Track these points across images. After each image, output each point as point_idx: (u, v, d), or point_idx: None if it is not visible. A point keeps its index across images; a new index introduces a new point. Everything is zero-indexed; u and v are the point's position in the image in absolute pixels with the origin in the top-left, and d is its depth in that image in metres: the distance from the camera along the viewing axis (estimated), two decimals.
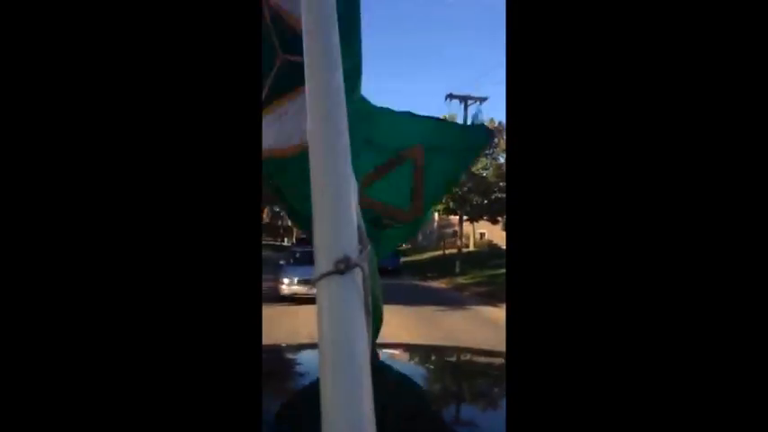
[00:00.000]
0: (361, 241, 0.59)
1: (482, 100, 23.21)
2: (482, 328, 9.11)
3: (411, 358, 1.69)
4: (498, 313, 11.28)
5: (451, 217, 27.04)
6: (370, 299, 0.58)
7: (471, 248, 31.00)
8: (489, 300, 13.45)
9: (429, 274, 21.70)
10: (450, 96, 22.88)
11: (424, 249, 32.80)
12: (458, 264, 21.41)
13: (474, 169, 26.39)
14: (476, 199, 26.57)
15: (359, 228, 0.60)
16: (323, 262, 0.57)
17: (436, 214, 31.05)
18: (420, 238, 37.71)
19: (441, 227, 35.47)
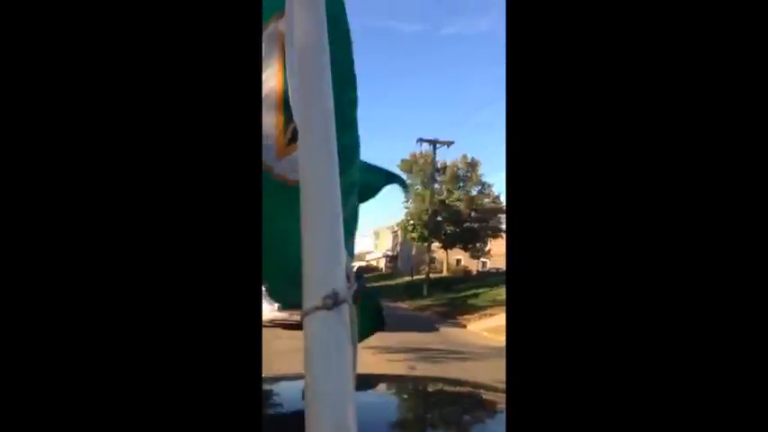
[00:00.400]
0: (348, 277, 0.57)
1: (449, 144, 25.23)
2: (430, 336, 11.38)
3: (389, 388, 1.66)
4: (449, 328, 13.69)
5: (427, 245, 27.37)
6: (356, 334, 0.56)
7: (444, 274, 31.14)
8: (444, 317, 15.83)
9: (399, 297, 22.93)
10: (421, 140, 25.24)
11: (402, 275, 32.82)
12: (425, 287, 22.70)
13: (448, 201, 26.84)
14: (449, 228, 26.86)
15: (347, 263, 0.58)
16: (311, 297, 0.55)
17: (414, 243, 31.47)
18: (399, 264, 37.83)
19: (418, 253, 35.52)
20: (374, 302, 1.26)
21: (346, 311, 0.55)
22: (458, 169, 28.68)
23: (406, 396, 1.63)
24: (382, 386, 1.66)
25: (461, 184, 28.61)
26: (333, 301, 0.54)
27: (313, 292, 0.55)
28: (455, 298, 19.71)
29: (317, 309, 0.54)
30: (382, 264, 44.86)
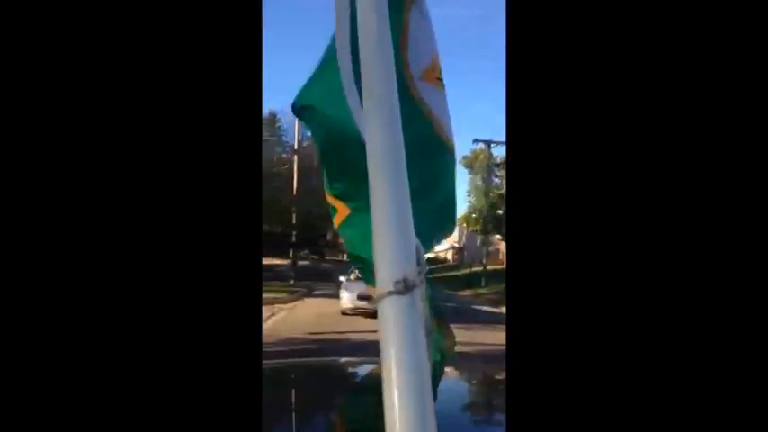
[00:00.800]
0: (419, 262, 0.53)
1: (503, 143, 26.10)
2: (476, 316, 13.46)
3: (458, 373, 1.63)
4: (493, 310, 16.07)
5: (490, 237, 27.37)
6: (429, 319, 0.52)
7: (504, 265, 30.76)
8: (494, 303, 18.17)
9: (460, 286, 24.83)
10: (477, 140, 27.19)
11: (468, 266, 32.84)
12: (483, 279, 24.04)
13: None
14: None
15: (417, 247, 0.54)
16: (383, 282, 0.51)
17: (478, 235, 31.68)
18: (465, 254, 37.72)
19: (482, 245, 35.22)
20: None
21: (418, 296, 0.51)
22: None
23: (474, 381, 1.59)
24: (451, 371, 1.63)
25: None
26: (404, 287, 0.50)
27: (385, 277, 0.52)
28: None
29: (390, 293, 0.50)
30: (449, 255, 44.59)
